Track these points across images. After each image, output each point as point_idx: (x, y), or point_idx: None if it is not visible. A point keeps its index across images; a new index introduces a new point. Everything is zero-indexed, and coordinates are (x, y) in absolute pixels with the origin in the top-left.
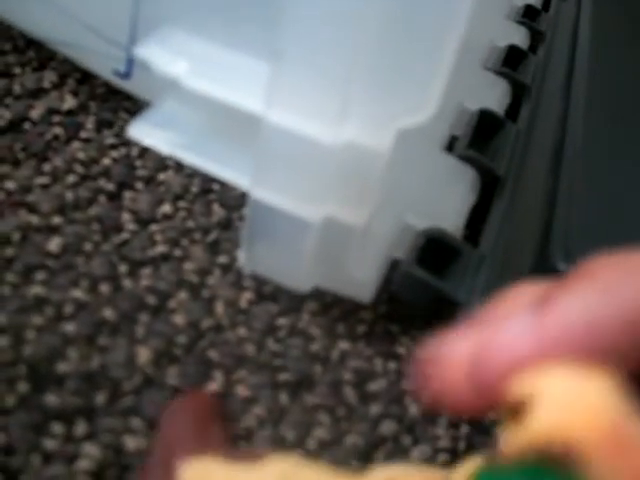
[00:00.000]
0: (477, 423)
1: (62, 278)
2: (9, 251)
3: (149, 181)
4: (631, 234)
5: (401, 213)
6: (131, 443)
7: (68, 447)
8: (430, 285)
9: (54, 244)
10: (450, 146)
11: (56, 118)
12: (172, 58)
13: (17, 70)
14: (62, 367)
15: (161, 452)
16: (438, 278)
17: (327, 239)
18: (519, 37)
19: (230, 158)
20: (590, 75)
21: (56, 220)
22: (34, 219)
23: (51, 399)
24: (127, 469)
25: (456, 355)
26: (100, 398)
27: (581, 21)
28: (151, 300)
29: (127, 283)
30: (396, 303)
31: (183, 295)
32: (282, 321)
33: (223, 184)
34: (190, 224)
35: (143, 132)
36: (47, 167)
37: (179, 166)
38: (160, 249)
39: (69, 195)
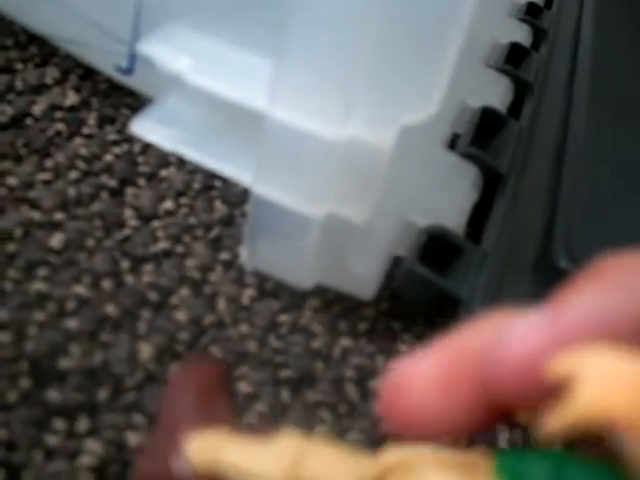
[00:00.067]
0: None
1: (64, 274)
2: (11, 247)
3: (151, 177)
4: (633, 232)
5: (403, 210)
6: (133, 439)
7: (70, 443)
8: (432, 282)
9: (56, 240)
10: (452, 144)
11: (58, 114)
12: (175, 54)
13: (19, 66)
14: (64, 363)
15: (164, 427)
16: (440, 276)
17: (329, 236)
18: (521, 35)
19: (232, 155)
20: (592, 73)
21: (58, 216)
22: (36, 215)
23: (53, 395)
24: (129, 465)
25: (420, 374)
26: (102, 394)
27: (583, 19)
28: (153, 296)
29: (129, 279)
30: (398, 300)
31: (185, 291)
32: (284, 318)
33: (225, 180)
34: (192, 220)
35: (145, 128)
36: (49, 163)
37: (181, 162)
38: (162, 245)
39: (71, 191)
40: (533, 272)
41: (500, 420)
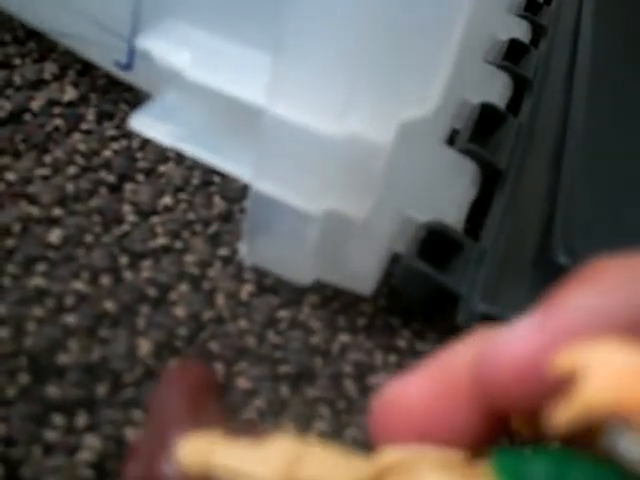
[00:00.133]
0: None
1: (63, 270)
2: (9, 242)
3: (150, 173)
4: (632, 229)
5: (402, 206)
6: (132, 435)
7: (69, 438)
8: (431, 278)
9: (55, 236)
10: (451, 140)
11: (57, 110)
12: (174, 50)
13: (17, 61)
14: (63, 359)
15: (154, 428)
16: (439, 271)
17: (328, 232)
18: (521, 31)
19: (231, 150)
20: (592, 69)
21: (57, 212)
22: (35, 210)
23: (52, 391)
24: None
25: (415, 391)
26: (101, 390)
27: (583, 15)
28: (152, 292)
29: (128, 275)
30: (397, 296)
31: (184, 287)
32: (283, 313)
33: (224, 176)
34: (191, 216)
35: (144, 124)
36: (48, 159)
37: (180, 158)
38: (161, 241)
39: (70, 187)
40: (532, 268)
41: (499, 432)
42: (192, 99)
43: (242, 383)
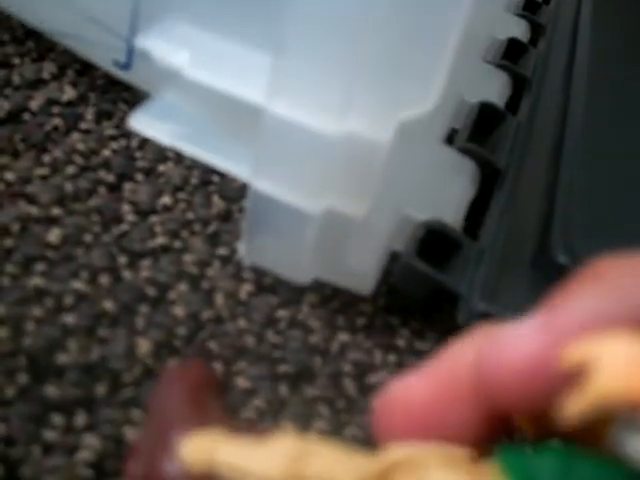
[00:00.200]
0: None
1: (62, 269)
2: (8, 242)
3: (149, 172)
4: (631, 227)
5: (401, 205)
6: (131, 434)
7: (68, 438)
8: (430, 277)
9: (54, 235)
10: (450, 139)
11: (55, 109)
12: (173, 49)
13: (16, 61)
14: (62, 358)
15: (155, 427)
16: (438, 270)
17: (327, 231)
18: (519, 30)
19: (230, 150)
20: (591, 68)
21: (56, 211)
22: (33, 210)
23: (51, 390)
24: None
25: (417, 391)
26: (100, 389)
27: (582, 14)
28: (151, 291)
29: (127, 274)
30: (396, 295)
31: (183, 287)
32: (282, 313)
33: (223, 176)
34: (190, 216)
35: (143, 123)
36: (46, 158)
37: (179, 157)
38: (160, 240)
39: (69, 186)
40: (531, 267)
41: (500, 431)
42: (191, 99)
43: (241, 383)
